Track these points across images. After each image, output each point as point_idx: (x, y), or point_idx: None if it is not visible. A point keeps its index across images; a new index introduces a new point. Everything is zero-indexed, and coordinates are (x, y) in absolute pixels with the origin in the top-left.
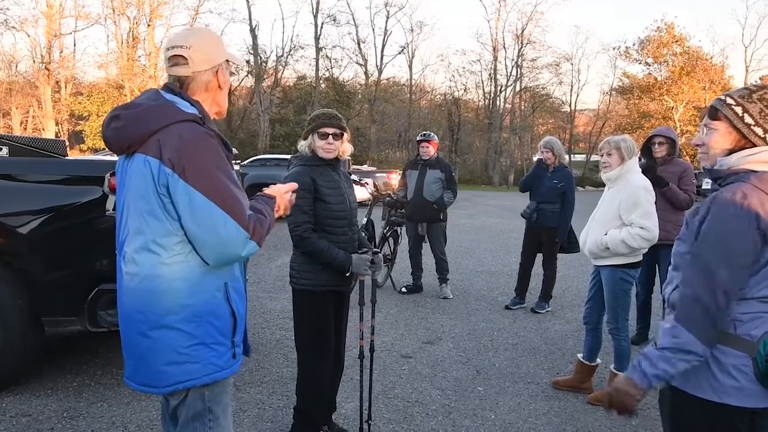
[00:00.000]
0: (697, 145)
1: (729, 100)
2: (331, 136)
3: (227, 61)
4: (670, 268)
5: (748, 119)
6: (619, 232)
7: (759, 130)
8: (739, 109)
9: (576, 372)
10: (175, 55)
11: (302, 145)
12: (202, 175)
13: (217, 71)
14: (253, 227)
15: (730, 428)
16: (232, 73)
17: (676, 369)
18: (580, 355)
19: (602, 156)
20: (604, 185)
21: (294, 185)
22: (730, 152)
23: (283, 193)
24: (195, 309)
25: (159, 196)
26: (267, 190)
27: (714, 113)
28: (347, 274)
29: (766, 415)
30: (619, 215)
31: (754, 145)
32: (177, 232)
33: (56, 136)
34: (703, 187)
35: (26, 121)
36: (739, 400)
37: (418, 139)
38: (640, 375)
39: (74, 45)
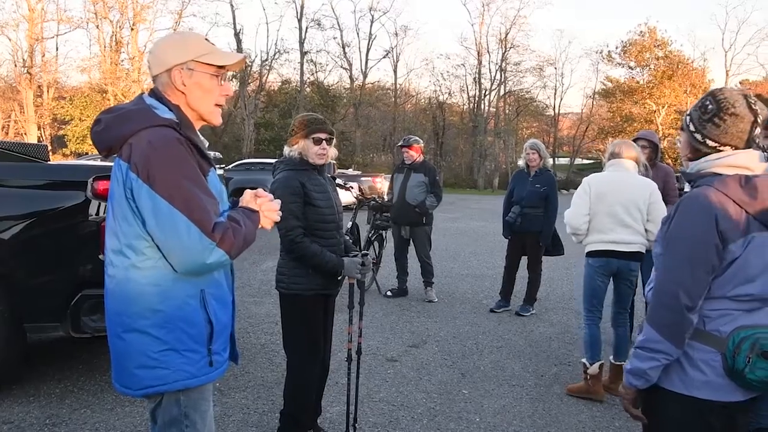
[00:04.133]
0: None
1: (689, 109)
2: (324, 141)
3: (205, 63)
4: (653, 268)
5: (691, 126)
6: None
7: (698, 136)
8: (687, 118)
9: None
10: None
11: (293, 149)
12: (166, 181)
13: (171, 74)
14: (221, 235)
15: (699, 420)
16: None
17: (645, 365)
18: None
19: None
20: None
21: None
22: (693, 158)
23: (266, 210)
24: (166, 315)
25: (127, 200)
26: (250, 202)
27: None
28: (339, 277)
29: (745, 409)
30: None
31: (705, 153)
32: (145, 236)
33: (38, 141)
34: (685, 189)
35: (8, 125)
36: (706, 394)
37: (399, 144)
38: (625, 374)
39: (56, 49)
